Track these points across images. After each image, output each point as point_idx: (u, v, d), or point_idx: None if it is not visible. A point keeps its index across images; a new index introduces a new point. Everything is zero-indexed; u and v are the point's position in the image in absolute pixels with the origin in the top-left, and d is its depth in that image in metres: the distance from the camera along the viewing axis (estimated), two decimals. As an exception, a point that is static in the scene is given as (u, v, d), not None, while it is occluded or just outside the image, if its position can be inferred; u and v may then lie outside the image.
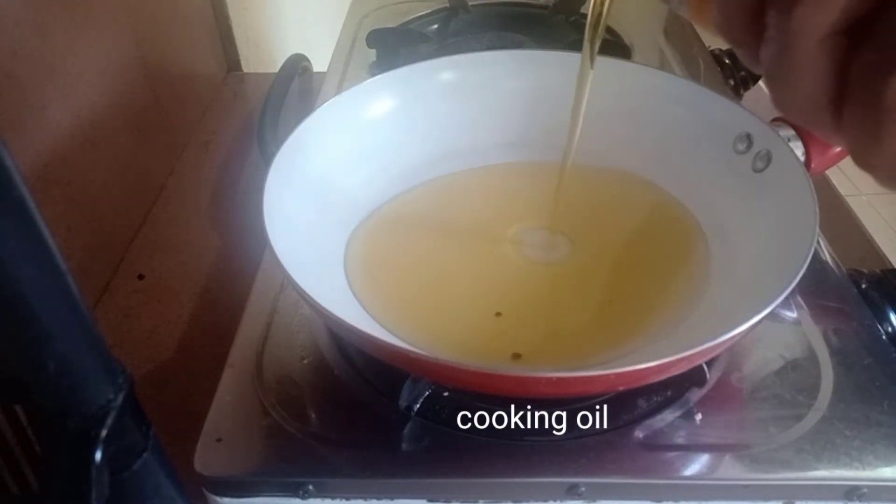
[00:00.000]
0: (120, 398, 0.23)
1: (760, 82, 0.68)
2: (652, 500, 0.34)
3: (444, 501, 0.34)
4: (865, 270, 0.45)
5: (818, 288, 0.42)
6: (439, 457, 0.34)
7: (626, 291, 0.41)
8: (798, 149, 0.44)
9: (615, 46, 0.65)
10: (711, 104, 0.45)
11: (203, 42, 0.76)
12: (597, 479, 0.33)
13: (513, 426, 0.35)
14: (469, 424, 0.35)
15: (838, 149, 0.45)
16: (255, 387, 0.37)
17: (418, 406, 0.35)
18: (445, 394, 0.36)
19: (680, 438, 0.34)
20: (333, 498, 0.34)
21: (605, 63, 0.49)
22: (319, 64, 0.69)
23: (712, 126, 0.45)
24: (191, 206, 0.62)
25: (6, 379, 0.21)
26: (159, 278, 0.55)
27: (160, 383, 0.46)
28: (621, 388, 0.36)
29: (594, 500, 0.33)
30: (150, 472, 0.25)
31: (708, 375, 0.36)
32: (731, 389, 0.37)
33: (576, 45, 0.64)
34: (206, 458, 0.33)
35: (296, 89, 0.65)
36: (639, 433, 0.35)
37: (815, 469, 0.33)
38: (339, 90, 0.60)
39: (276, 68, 0.65)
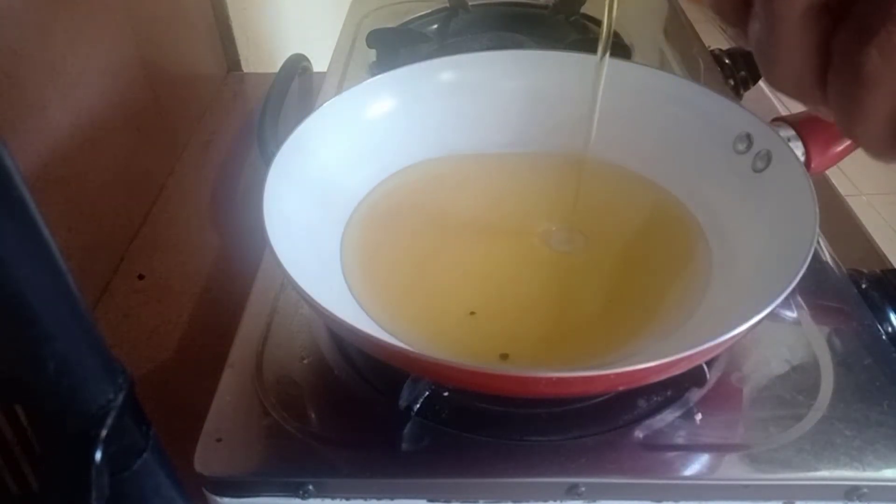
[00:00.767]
0: (120, 398, 0.23)
1: (761, 82, 0.68)
2: (652, 500, 0.34)
3: (444, 501, 0.34)
4: (865, 270, 0.45)
5: (818, 288, 0.42)
6: (439, 457, 0.34)
7: (625, 291, 0.41)
8: (798, 149, 0.44)
9: (615, 46, 0.64)
10: (711, 104, 0.45)
11: (203, 42, 0.76)
12: (597, 479, 0.33)
13: (513, 426, 0.35)
14: (469, 424, 0.35)
15: (838, 149, 0.45)
16: (255, 387, 0.37)
17: (418, 406, 0.35)
18: (445, 394, 0.36)
19: (680, 438, 0.34)
20: (333, 498, 0.34)
21: (606, 63, 0.50)
22: (319, 64, 0.69)
23: (712, 126, 0.45)
24: (191, 206, 0.62)
25: (6, 379, 0.21)
26: (159, 278, 0.55)
27: (160, 383, 0.46)
28: (621, 389, 0.36)
29: (594, 500, 0.33)
30: (150, 472, 0.25)
31: (708, 375, 0.36)
32: (731, 389, 0.37)
33: (576, 45, 0.64)
34: (206, 458, 0.33)
35: (296, 89, 0.65)
36: (639, 433, 0.35)
37: (815, 469, 0.33)
38: (339, 90, 0.60)
39: (276, 68, 0.65)
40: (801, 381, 0.37)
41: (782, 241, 0.37)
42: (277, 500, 0.34)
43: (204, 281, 0.54)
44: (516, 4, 0.73)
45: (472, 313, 0.39)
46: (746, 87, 0.66)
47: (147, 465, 0.25)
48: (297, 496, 0.33)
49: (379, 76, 0.47)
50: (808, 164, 0.44)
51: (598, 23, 0.70)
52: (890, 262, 0.51)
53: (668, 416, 0.35)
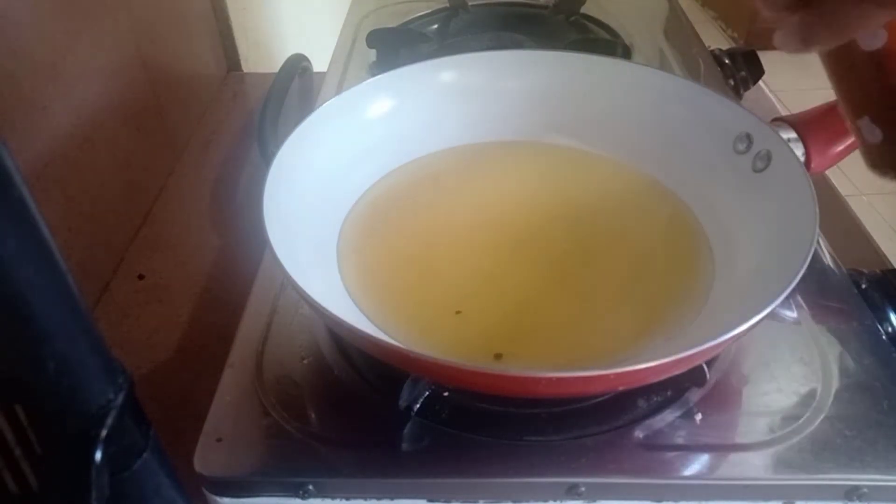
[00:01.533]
0: (120, 398, 0.23)
1: (761, 82, 0.68)
2: (652, 500, 0.34)
3: (444, 501, 0.34)
4: (865, 270, 0.45)
5: (818, 288, 0.42)
6: (439, 457, 0.34)
7: (624, 290, 0.41)
8: (798, 149, 0.44)
9: (615, 46, 0.65)
10: (711, 104, 0.45)
11: (203, 42, 0.76)
12: (597, 479, 0.33)
13: (513, 426, 0.35)
14: (469, 424, 0.35)
15: (838, 149, 0.45)
16: (255, 387, 0.37)
17: (418, 406, 0.35)
18: (445, 394, 0.36)
19: (680, 438, 0.34)
20: (333, 498, 0.34)
21: (606, 63, 0.50)
22: (319, 64, 0.69)
23: (712, 126, 0.45)
24: (191, 206, 0.62)
25: (6, 379, 0.21)
26: (159, 278, 0.55)
27: (160, 383, 0.46)
28: (621, 389, 0.36)
29: (594, 500, 0.33)
30: (150, 472, 0.25)
31: (708, 375, 0.36)
32: (731, 389, 0.37)
33: (576, 46, 0.64)
34: (206, 458, 0.33)
35: (296, 89, 0.65)
36: (639, 433, 0.35)
37: (815, 469, 0.33)
38: (339, 90, 0.60)
39: (276, 68, 0.65)
40: (801, 381, 0.37)
41: (782, 241, 0.37)
42: (277, 500, 0.34)
43: (204, 281, 0.54)
44: (516, 4, 0.73)
45: (458, 312, 0.39)
46: (746, 87, 0.66)
47: (147, 465, 0.25)
48: (297, 496, 0.33)
49: (379, 76, 0.47)
50: (808, 164, 0.44)
51: (599, 23, 0.70)
52: (890, 262, 0.51)
53: (668, 416, 0.35)
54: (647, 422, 0.35)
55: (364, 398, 0.36)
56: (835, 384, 0.36)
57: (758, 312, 0.31)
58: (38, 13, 0.46)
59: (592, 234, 0.44)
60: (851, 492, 0.33)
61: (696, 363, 0.33)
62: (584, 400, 0.36)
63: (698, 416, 0.35)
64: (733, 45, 2.10)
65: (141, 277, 0.55)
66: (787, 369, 0.37)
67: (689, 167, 0.46)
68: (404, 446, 0.34)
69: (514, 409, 0.36)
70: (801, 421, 0.35)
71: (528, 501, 0.34)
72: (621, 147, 0.48)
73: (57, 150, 0.48)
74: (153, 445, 0.25)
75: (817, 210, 0.36)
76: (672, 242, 0.43)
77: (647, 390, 0.36)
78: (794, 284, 0.32)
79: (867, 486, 0.33)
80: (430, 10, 0.72)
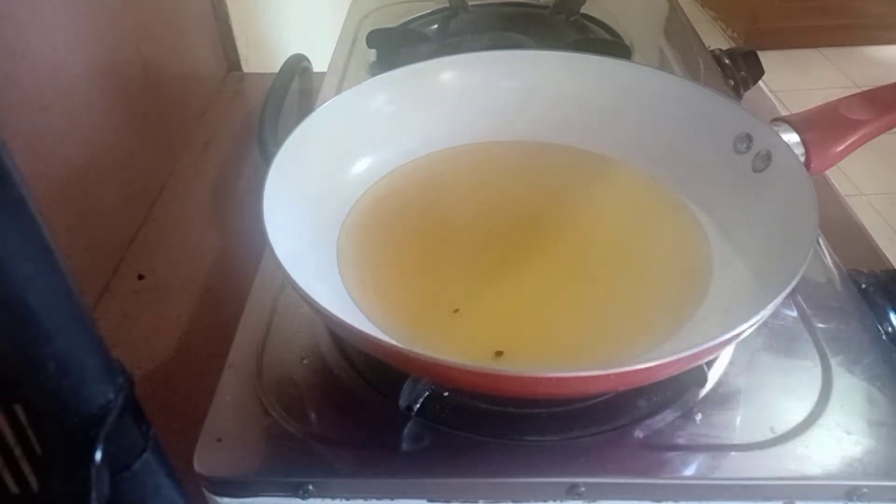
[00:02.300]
0: (120, 398, 0.23)
1: (761, 82, 0.68)
2: (652, 500, 0.34)
3: (444, 501, 0.34)
4: (865, 270, 0.45)
5: (818, 288, 0.42)
6: (439, 457, 0.34)
7: (624, 290, 0.41)
8: (798, 149, 0.44)
9: (615, 46, 0.65)
10: (711, 104, 0.45)
11: (203, 42, 0.76)
12: (597, 479, 0.33)
13: (513, 426, 0.35)
14: (469, 424, 0.35)
15: (838, 149, 0.45)
16: (255, 387, 0.37)
17: (418, 406, 0.35)
18: (445, 394, 0.36)
19: (680, 438, 0.34)
20: (333, 498, 0.34)
21: (606, 63, 0.50)
22: (319, 64, 0.69)
23: (712, 126, 0.45)
24: (191, 206, 0.62)
25: (6, 379, 0.21)
26: (159, 278, 0.55)
27: (160, 383, 0.46)
28: (621, 389, 0.36)
29: (594, 500, 0.33)
30: (150, 472, 0.25)
31: (708, 375, 0.36)
32: (731, 389, 0.37)
33: (576, 46, 0.64)
34: (206, 458, 0.33)
35: (296, 89, 0.65)
36: (639, 433, 0.35)
37: (815, 469, 0.33)
38: (339, 90, 0.60)
39: (276, 68, 0.65)
40: (801, 380, 0.37)
41: (783, 240, 0.37)
42: (277, 500, 0.34)
43: (204, 281, 0.54)
44: (516, 4, 0.73)
45: (456, 311, 0.39)
46: (746, 87, 0.66)
47: (147, 465, 0.25)
48: (297, 496, 0.33)
49: (378, 76, 0.47)
50: (808, 164, 0.44)
51: (599, 23, 0.70)
52: (890, 262, 0.51)
53: (668, 416, 0.35)
54: (647, 422, 0.35)
55: (364, 398, 0.36)
56: (835, 384, 0.36)
57: (757, 313, 0.31)
58: (38, 13, 0.46)
59: (592, 234, 0.44)
60: (851, 492, 0.33)
61: (697, 363, 0.33)
62: (584, 400, 0.36)
63: (698, 416, 0.35)
64: (733, 45, 2.11)
65: (141, 277, 0.55)
66: (786, 369, 0.37)
67: (690, 167, 0.46)
68: (404, 446, 0.34)
69: (514, 409, 0.36)
70: (801, 421, 0.35)
71: (528, 501, 0.34)
72: (621, 147, 0.48)
73: (57, 150, 0.48)
74: (153, 445, 0.25)
75: (817, 210, 0.36)
76: (672, 242, 0.43)
77: (647, 390, 0.36)
78: (793, 284, 0.32)
79: (867, 487, 0.33)
80: (430, 10, 0.72)
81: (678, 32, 0.71)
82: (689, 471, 0.33)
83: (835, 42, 2.16)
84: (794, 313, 0.40)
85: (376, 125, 0.47)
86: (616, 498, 0.34)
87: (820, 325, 0.40)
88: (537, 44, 0.63)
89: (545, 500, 0.34)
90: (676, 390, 0.36)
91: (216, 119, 0.72)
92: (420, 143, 0.49)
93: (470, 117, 0.50)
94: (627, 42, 0.66)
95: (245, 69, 0.84)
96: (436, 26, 0.70)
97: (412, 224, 0.45)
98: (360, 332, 0.31)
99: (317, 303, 0.31)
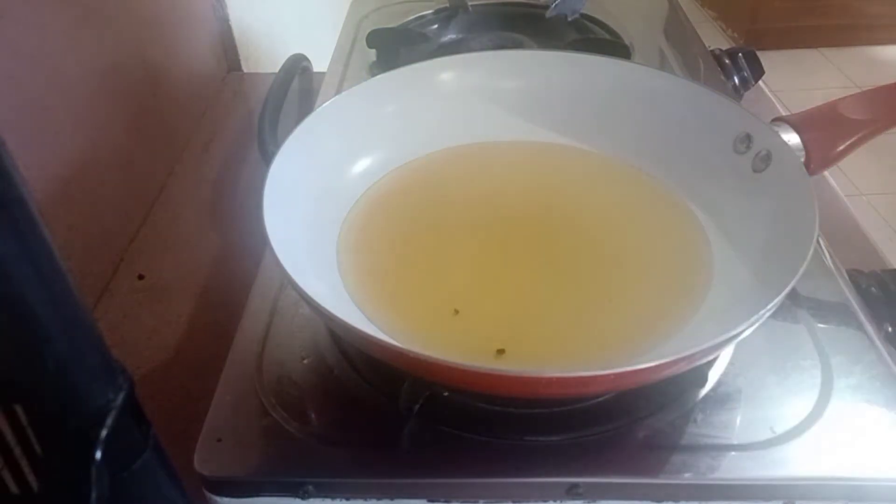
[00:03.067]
0: (120, 398, 0.23)
1: (761, 82, 0.68)
2: (652, 500, 0.34)
3: (444, 501, 0.34)
4: (865, 270, 0.45)
5: (818, 288, 0.42)
6: (439, 457, 0.34)
7: (624, 290, 0.41)
8: (798, 149, 0.44)
9: (615, 46, 0.65)
10: (711, 104, 0.45)
11: (203, 42, 0.76)
12: (597, 479, 0.33)
13: (513, 426, 0.35)
14: (469, 424, 0.35)
15: (838, 149, 0.45)
16: (255, 387, 0.37)
17: (418, 406, 0.35)
18: (445, 394, 0.36)
19: (680, 438, 0.34)
20: (333, 498, 0.34)
21: (606, 63, 0.50)
22: (319, 64, 0.69)
23: (712, 126, 0.45)
24: (191, 206, 0.62)
25: (6, 379, 0.21)
26: (159, 278, 0.55)
27: (160, 383, 0.46)
28: (621, 389, 0.36)
29: (594, 500, 0.33)
30: (150, 472, 0.25)
31: (708, 375, 0.36)
32: (731, 389, 0.37)
33: (576, 46, 0.64)
34: (206, 458, 0.33)
35: (296, 89, 0.65)
36: (639, 433, 0.35)
37: (815, 469, 0.33)
38: (339, 90, 0.60)
39: (276, 68, 0.65)
40: (801, 380, 0.37)
41: (783, 240, 0.37)
42: (277, 500, 0.34)
43: (204, 281, 0.54)
44: (516, 4, 0.73)
45: (457, 311, 0.39)
46: (746, 87, 0.66)
47: (147, 465, 0.25)
48: (297, 496, 0.33)
49: (378, 77, 0.48)
50: (808, 164, 0.44)
51: (599, 23, 0.70)
52: (890, 262, 0.51)
53: (668, 416, 0.35)
54: (647, 422, 0.35)
55: (364, 398, 0.36)
56: (835, 384, 0.36)
57: (757, 312, 0.31)
58: (38, 13, 0.46)
59: (592, 234, 0.44)
60: (851, 492, 0.33)
61: (697, 363, 0.33)
62: (584, 400, 0.36)
63: (698, 416, 0.35)
64: (733, 45, 2.11)
65: (141, 277, 0.55)
66: (786, 369, 0.37)
67: (690, 167, 0.46)
68: (404, 446, 0.34)
69: (514, 409, 0.36)
70: (801, 421, 0.35)
71: (528, 501, 0.34)
72: (621, 147, 0.48)
73: (57, 150, 0.48)
74: (153, 445, 0.25)
75: (817, 210, 0.36)
76: (672, 242, 0.43)
77: (647, 390, 0.36)
78: (793, 284, 0.32)
79: (867, 487, 0.33)
80: (430, 10, 0.72)
81: (678, 32, 0.71)
82: (689, 471, 0.33)
83: (835, 42, 2.16)
84: (794, 313, 0.40)
85: (376, 125, 0.47)
86: (616, 498, 0.34)
87: (820, 325, 0.40)
88: (537, 44, 0.63)
89: (545, 500, 0.34)
90: (676, 390, 0.36)
91: (216, 119, 0.72)
92: (420, 143, 0.49)
93: (470, 117, 0.50)
94: (627, 42, 0.66)
95: (245, 69, 0.84)
96: (436, 26, 0.70)
97: (412, 224, 0.45)
98: (360, 332, 0.31)
99: (317, 302, 0.31)
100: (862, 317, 0.40)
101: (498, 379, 0.31)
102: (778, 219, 0.39)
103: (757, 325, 0.31)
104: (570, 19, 0.69)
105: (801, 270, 0.32)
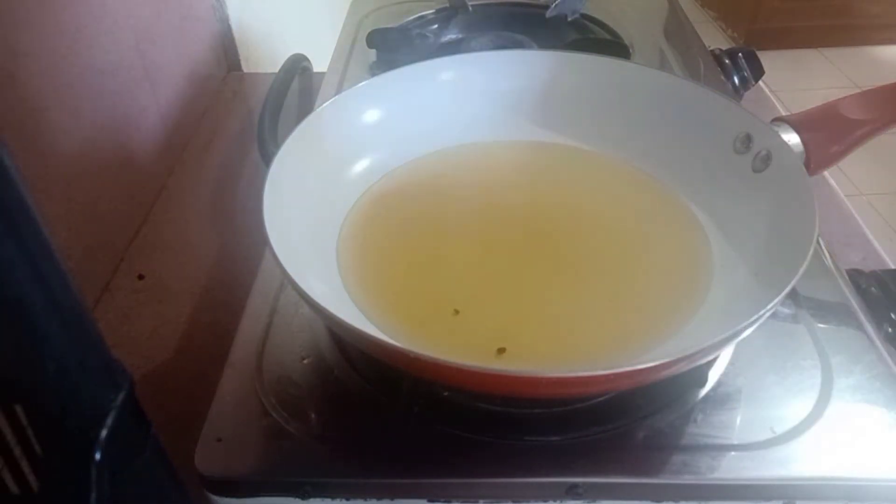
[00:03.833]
0: (120, 398, 0.23)
1: (761, 82, 0.68)
2: (652, 500, 0.34)
3: (444, 501, 0.34)
4: (865, 270, 0.45)
5: (818, 288, 0.42)
6: (439, 457, 0.34)
7: (624, 290, 0.41)
8: (798, 149, 0.44)
9: (615, 46, 0.65)
10: (711, 104, 0.45)
11: (203, 42, 0.76)
12: (597, 479, 0.33)
13: (513, 426, 0.35)
14: (469, 424, 0.35)
15: (838, 149, 0.45)
16: (255, 387, 0.37)
17: (418, 406, 0.35)
18: (445, 394, 0.36)
19: (680, 438, 0.34)
20: (333, 498, 0.34)
21: (606, 63, 0.50)
22: (319, 64, 0.69)
23: (712, 126, 0.45)
24: (191, 206, 0.62)
25: (6, 379, 0.21)
26: (159, 278, 0.55)
27: (160, 383, 0.46)
28: (621, 389, 0.36)
29: (594, 500, 0.33)
30: (150, 472, 0.25)
31: (708, 375, 0.36)
32: (731, 389, 0.37)
33: (576, 45, 0.64)
34: (206, 458, 0.33)
35: (296, 89, 0.65)
36: (639, 433, 0.35)
37: (815, 469, 0.33)
38: (339, 90, 0.60)
39: (276, 68, 0.65)
40: (800, 380, 0.37)
41: (783, 240, 0.37)
42: (277, 500, 0.34)
43: (204, 281, 0.54)
44: (516, 4, 0.73)
45: (457, 311, 0.39)
46: (746, 87, 0.66)
47: (147, 465, 0.25)
48: (297, 496, 0.33)
49: (378, 76, 0.47)
50: (808, 164, 0.44)
51: (599, 23, 0.70)
52: (890, 262, 0.51)
53: (668, 416, 0.35)
54: (647, 422, 0.35)
55: (364, 398, 0.36)
56: (835, 384, 0.36)
57: (757, 312, 0.31)
58: (37, 13, 0.46)
59: (592, 234, 0.44)
60: (852, 492, 0.33)
61: (697, 363, 0.33)
62: (584, 400, 0.36)
63: (698, 416, 0.35)
64: (733, 45, 2.11)
65: (141, 277, 0.55)
66: (786, 369, 0.37)
67: (690, 167, 0.46)
68: (404, 446, 0.34)
69: (514, 409, 0.36)
70: (801, 421, 0.35)
71: (528, 501, 0.34)
72: (622, 147, 0.48)
73: (57, 150, 0.48)
74: (153, 445, 0.25)
75: (817, 210, 0.36)
76: (672, 242, 0.43)
77: (647, 390, 0.36)
78: (793, 284, 0.32)
79: (867, 487, 0.33)
80: (430, 10, 0.72)
81: (678, 32, 0.71)
82: (689, 471, 0.33)
83: (835, 42, 2.17)
84: (794, 313, 0.40)
85: (376, 126, 0.47)
86: (616, 498, 0.34)
87: (820, 325, 0.40)
88: (537, 44, 0.63)
89: (545, 500, 0.34)
90: (676, 390, 0.36)
91: (216, 119, 0.72)
92: (420, 143, 0.49)
93: (470, 117, 0.50)
94: (627, 42, 0.66)
95: (245, 69, 0.84)
96: (436, 26, 0.70)
97: (412, 223, 0.45)
98: (360, 331, 0.31)
99: (317, 302, 0.31)
100: (862, 317, 0.40)
101: (498, 378, 0.31)
102: (778, 219, 0.39)
103: (757, 324, 0.31)
104: (570, 19, 0.69)
105: (801, 270, 0.32)
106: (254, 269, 0.44)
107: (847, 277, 0.43)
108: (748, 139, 0.43)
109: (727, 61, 0.67)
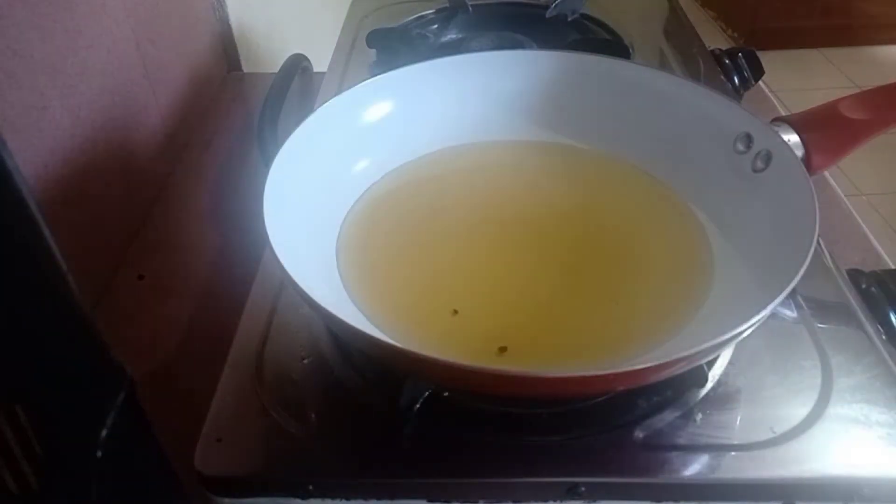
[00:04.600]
0: (120, 398, 0.23)
1: (761, 82, 0.68)
2: (652, 500, 0.34)
3: (444, 501, 0.34)
4: (865, 270, 0.45)
5: (818, 288, 0.42)
6: (439, 457, 0.34)
7: (624, 289, 0.41)
8: (798, 149, 0.44)
9: (615, 46, 0.65)
10: (711, 104, 0.45)
11: (203, 42, 0.76)
12: (597, 479, 0.33)
13: (513, 426, 0.35)
14: (469, 424, 0.35)
15: (838, 148, 0.45)
16: (255, 387, 0.37)
17: (418, 406, 0.35)
18: (445, 394, 0.36)
19: (680, 438, 0.34)
20: (333, 498, 0.34)
21: (606, 63, 0.50)
22: (319, 64, 0.69)
23: (712, 126, 0.45)
24: (191, 206, 0.62)
25: (6, 379, 0.21)
26: (159, 278, 0.55)
27: (160, 383, 0.46)
28: (621, 389, 0.36)
29: (594, 500, 0.33)
30: (149, 472, 0.25)
31: (708, 375, 0.36)
32: (731, 389, 0.37)
33: (576, 45, 0.64)
34: (206, 458, 0.33)
35: (296, 89, 0.65)
36: (639, 433, 0.35)
37: (815, 469, 0.33)
38: (339, 90, 0.60)
39: (276, 68, 0.65)
40: (800, 380, 0.37)
41: (783, 240, 0.37)
42: (277, 500, 0.34)
43: (204, 281, 0.54)
44: (516, 4, 0.73)
45: (456, 312, 0.39)
46: (746, 87, 0.66)
47: (147, 465, 0.25)
48: (297, 496, 0.33)
49: (377, 77, 0.47)
50: (808, 164, 0.44)
51: (599, 23, 0.70)
52: (890, 262, 0.51)
53: (668, 416, 0.35)
54: (647, 422, 0.35)
55: (364, 398, 0.36)
56: (835, 384, 0.36)
57: (758, 312, 0.31)
58: (38, 13, 0.46)
59: (592, 233, 0.44)
60: (851, 492, 0.33)
61: (696, 363, 0.33)
62: (584, 400, 0.36)
63: (698, 416, 0.35)
64: (733, 45, 2.11)
65: (141, 277, 0.55)
66: (786, 369, 0.37)
67: (690, 167, 0.46)
68: (404, 446, 0.34)
69: (514, 409, 0.36)
70: (801, 421, 0.35)
71: (528, 501, 0.34)
72: (622, 147, 0.48)
73: (57, 150, 0.48)
74: (153, 445, 0.25)
75: (818, 210, 0.36)
76: (671, 241, 0.43)
77: (647, 390, 0.36)
78: (793, 284, 0.32)
79: (867, 487, 0.33)
80: (430, 10, 0.72)
81: (678, 32, 0.71)
82: (689, 471, 0.33)
83: (835, 42, 2.16)
84: (794, 313, 0.40)
85: (376, 126, 0.47)
86: (616, 498, 0.34)
87: (820, 325, 0.40)
88: (537, 44, 0.63)
89: (545, 500, 0.34)
90: (676, 390, 0.36)
91: (216, 119, 0.72)
92: (420, 143, 0.49)
93: (470, 117, 0.50)
94: (627, 42, 0.66)
95: (245, 69, 0.84)
96: (436, 26, 0.70)
97: (412, 223, 0.45)
98: (360, 331, 0.31)
99: (317, 302, 0.31)
100: (862, 317, 0.40)
101: (498, 379, 0.31)
102: (778, 218, 0.39)
103: (757, 324, 0.31)
104: (570, 19, 0.69)
105: (802, 271, 0.32)
106: (254, 269, 0.44)
107: (847, 277, 0.43)
108: (748, 139, 0.43)
109: (727, 61, 0.67)
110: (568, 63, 0.50)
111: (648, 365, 0.29)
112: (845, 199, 0.59)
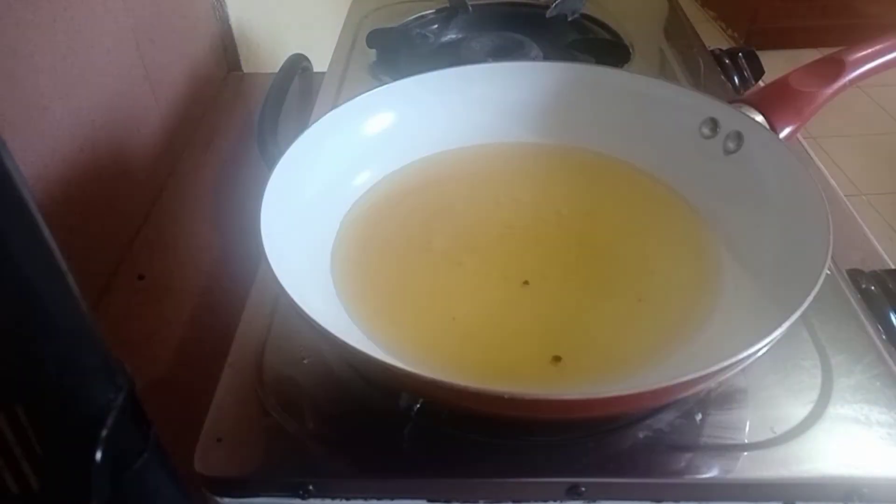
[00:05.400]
0: (120, 398, 0.23)
1: (761, 82, 0.68)
2: (652, 500, 0.34)
3: (444, 501, 0.34)
4: (865, 270, 0.45)
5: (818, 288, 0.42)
6: (439, 457, 0.34)
7: (628, 294, 0.40)
8: (763, 124, 0.45)
9: (615, 46, 0.65)
10: (670, 95, 0.46)
11: (203, 42, 0.76)
12: (597, 479, 0.33)
13: (513, 426, 0.35)
14: (469, 424, 0.35)
15: (798, 108, 0.46)
16: (255, 387, 0.37)
17: (418, 406, 0.35)
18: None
19: (680, 438, 0.34)
20: (333, 498, 0.34)
21: (603, 72, 0.50)
22: (319, 64, 0.69)
23: (678, 116, 0.45)
24: (191, 206, 0.62)
25: (6, 379, 0.21)
26: (159, 278, 0.55)
27: (160, 383, 0.46)
28: (627, 411, 0.35)
29: (594, 500, 0.33)
30: (150, 472, 0.25)
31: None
32: (731, 389, 0.37)
33: (576, 46, 0.64)
34: (206, 458, 0.33)
35: (296, 89, 0.65)
36: (639, 433, 0.35)
37: (815, 469, 0.33)
38: (339, 90, 0.60)
39: (276, 68, 0.65)
40: (801, 380, 0.37)
41: (789, 242, 0.37)
42: (277, 500, 0.34)
43: (204, 281, 0.54)
44: (516, 4, 0.73)
45: (454, 319, 0.38)
46: (746, 87, 0.66)
47: (147, 465, 0.25)
48: (297, 496, 0.33)
49: (377, 89, 0.47)
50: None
51: (599, 23, 0.70)
52: (890, 262, 0.51)
53: (668, 416, 0.35)
54: (647, 422, 0.35)
55: (364, 398, 0.36)
56: (835, 384, 0.36)
57: (778, 326, 0.30)
58: (38, 13, 0.46)
59: (592, 237, 0.44)
60: (851, 492, 0.33)
61: (705, 384, 0.33)
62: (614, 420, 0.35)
63: (698, 416, 0.35)
64: (733, 45, 2.10)
65: (141, 277, 0.55)
66: (786, 369, 0.37)
67: (690, 167, 0.46)
68: (404, 446, 0.34)
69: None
70: (801, 421, 0.35)
71: (528, 501, 0.34)
72: (623, 149, 0.48)
73: (57, 150, 0.48)
74: (153, 445, 0.25)
75: (826, 209, 0.36)
76: (676, 243, 0.43)
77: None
78: (810, 299, 0.31)
79: (867, 487, 0.33)
80: (430, 10, 0.72)
81: (678, 32, 0.71)
82: (689, 471, 0.33)
83: (835, 42, 2.16)
84: (794, 313, 0.40)
85: (375, 138, 0.47)
86: (616, 498, 0.34)
87: (820, 325, 0.40)
88: (537, 44, 0.63)
89: (545, 500, 0.34)
90: (676, 390, 0.36)
91: (216, 119, 0.72)
92: (417, 148, 0.49)
93: (470, 128, 0.50)
94: (627, 42, 0.66)
95: (245, 69, 0.84)
96: (436, 26, 0.70)
97: (410, 233, 0.44)
98: (362, 353, 0.30)
99: (314, 319, 0.30)
100: (862, 317, 0.40)
101: (500, 401, 0.29)
102: (782, 219, 0.39)
103: (771, 344, 0.30)
104: (570, 19, 0.69)
105: (819, 282, 0.32)
106: (254, 269, 0.44)
107: (847, 277, 0.43)
108: (713, 123, 0.44)
109: (727, 61, 0.67)
110: (567, 72, 0.50)
111: (655, 387, 0.29)
112: (845, 199, 0.59)
